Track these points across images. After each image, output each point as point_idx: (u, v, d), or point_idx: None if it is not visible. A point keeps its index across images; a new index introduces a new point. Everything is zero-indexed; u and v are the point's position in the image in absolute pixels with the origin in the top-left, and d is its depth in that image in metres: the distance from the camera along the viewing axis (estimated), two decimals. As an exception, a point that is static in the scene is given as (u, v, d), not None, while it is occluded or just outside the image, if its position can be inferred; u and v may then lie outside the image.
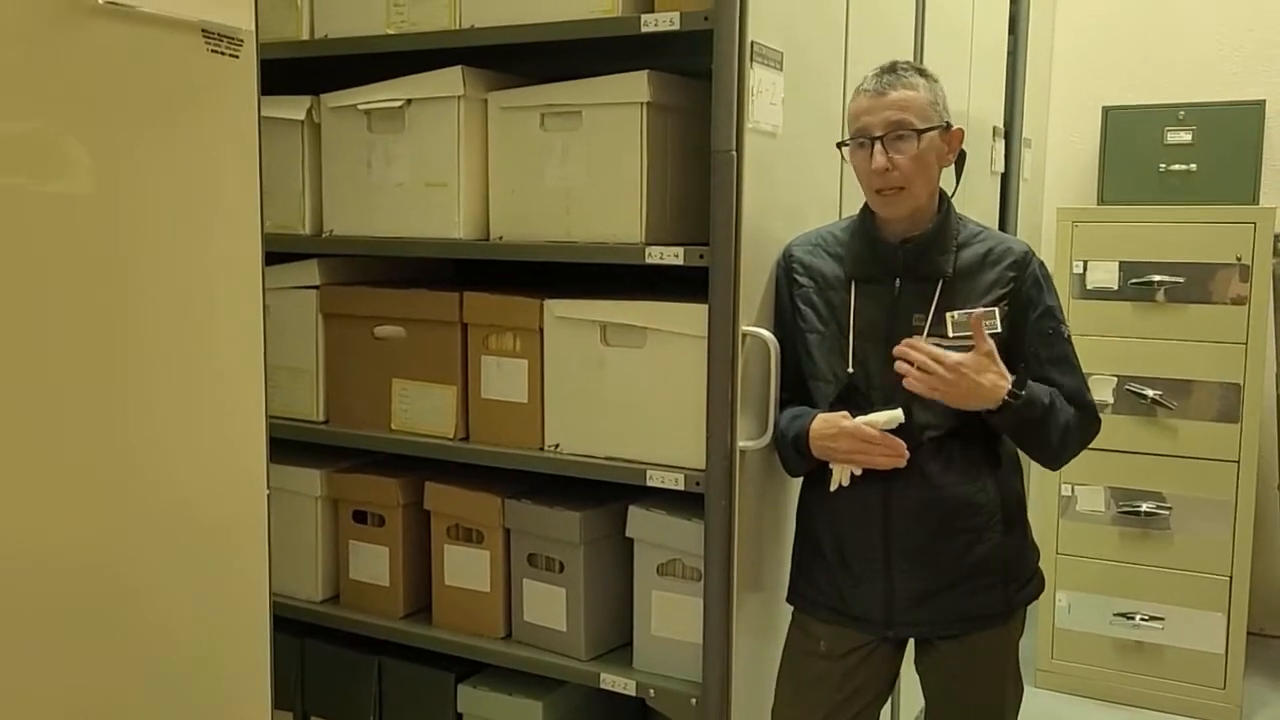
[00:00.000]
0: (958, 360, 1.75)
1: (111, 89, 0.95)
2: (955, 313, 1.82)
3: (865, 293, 1.88)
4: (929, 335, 1.82)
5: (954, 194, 1.93)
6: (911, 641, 1.97)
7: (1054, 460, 1.90)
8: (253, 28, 1.04)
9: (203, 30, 1.00)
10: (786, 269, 1.97)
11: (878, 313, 1.86)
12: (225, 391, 1.10)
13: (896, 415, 1.80)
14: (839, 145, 1.89)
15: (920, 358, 1.76)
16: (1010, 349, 1.84)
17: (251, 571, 1.09)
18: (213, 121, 1.04)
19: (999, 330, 1.82)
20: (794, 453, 1.90)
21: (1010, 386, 1.76)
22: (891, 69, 1.82)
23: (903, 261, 1.85)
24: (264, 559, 1.11)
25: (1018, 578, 1.91)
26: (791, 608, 2.01)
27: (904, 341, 1.78)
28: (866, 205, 1.91)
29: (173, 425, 1.07)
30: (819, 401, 1.90)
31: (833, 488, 1.87)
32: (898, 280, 1.86)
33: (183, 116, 1.02)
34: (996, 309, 1.83)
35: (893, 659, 1.96)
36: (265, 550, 1.11)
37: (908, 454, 1.80)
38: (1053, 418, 1.82)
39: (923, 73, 1.84)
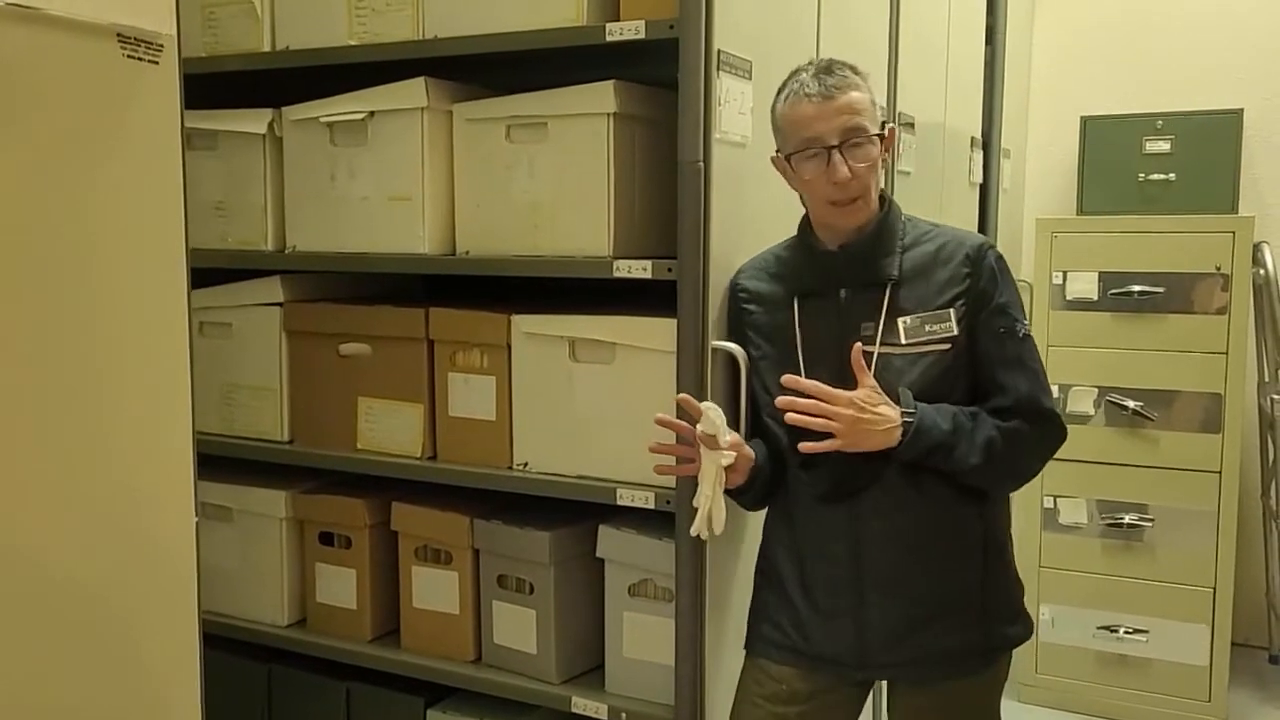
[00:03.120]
0: (850, 396, 1.64)
1: (15, 97, 0.90)
2: (907, 318, 1.71)
3: (810, 308, 1.77)
4: (880, 344, 1.71)
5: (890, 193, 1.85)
6: (884, 687, 1.86)
7: (993, 484, 1.75)
8: (174, 32, 0.99)
9: (118, 35, 0.95)
10: (734, 298, 1.87)
11: (825, 326, 1.75)
12: (145, 413, 1.04)
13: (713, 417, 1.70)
14: (786, 157, 1.72)
15: (805, 403, 1.63)
16: (971, 351, 1.72)
17: (177, 603, 1.03)
18: (130, 131, 0.99)
19: (955, 333, 1.70)
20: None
21: (901, 415, 1.64)
22: (828, 69, 1.68)
23: (843, 268, 1.74)
24: (192, 590, 1.05)
25: (1000, 615, 1.77)
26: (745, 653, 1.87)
27: (785, 378, 1.65)
28: (805, 219, 1.81)
29: (83, 450, 1.01)
30: (780, 425, 1.76)
31: (701, 512, 1.73)
32: (842, 290, 1.74)
33: (97, 126, 0.97)
34: (952, 310, 1.70)
35: (857, 704, 1.83)
36: (194, 582, 1.05)
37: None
38: (963, 440, 1.66)
39: (856, 70, 1.71)
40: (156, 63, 0.97)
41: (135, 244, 1.01)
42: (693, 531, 1.75)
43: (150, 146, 1.00)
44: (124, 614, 1.04)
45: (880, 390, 1.66)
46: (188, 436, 1.04)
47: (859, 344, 1.66)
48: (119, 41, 0.95)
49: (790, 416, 1.64)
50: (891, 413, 1.65)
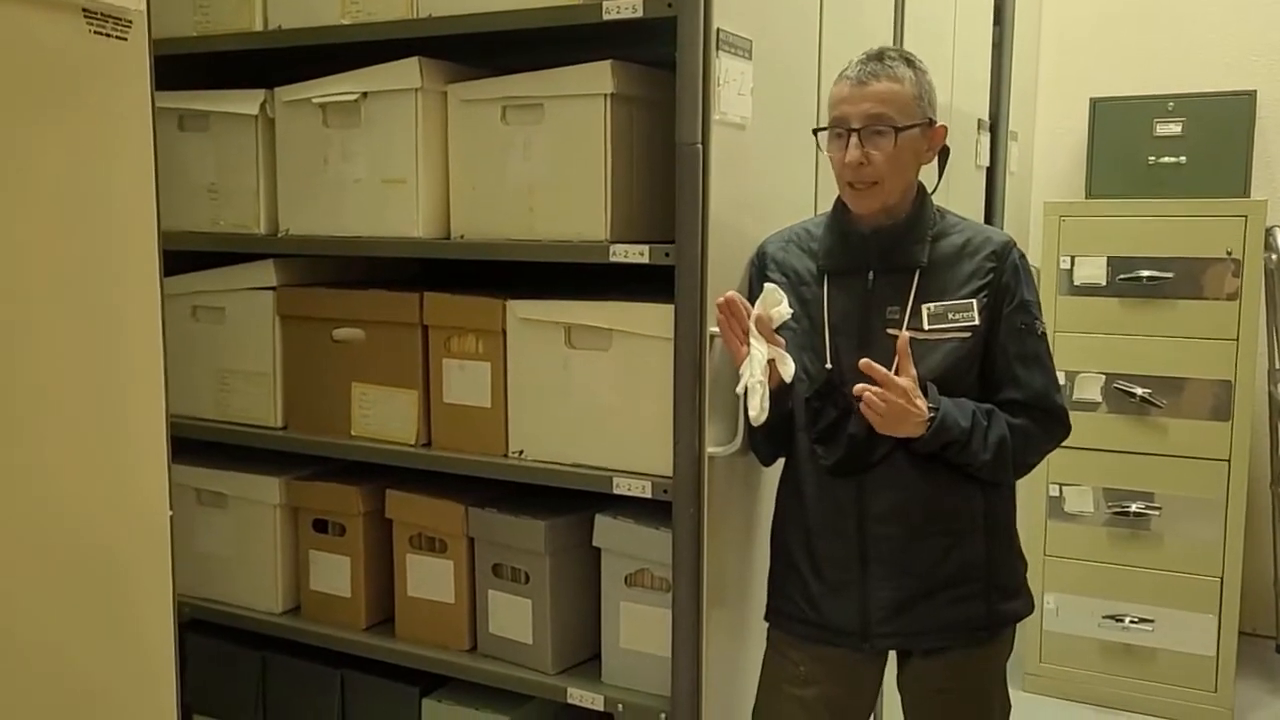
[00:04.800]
0: (901, 385, 1.67)
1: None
2: (931, 305, 1.75)
3: (838, 286, 1.80)
4: (907, 329, 1.73)
5: (934, 191, 1.85)
6: (893, 655, 1.89)
7: (996, 477, 1.79)
8: (143, 7, 0.95)
9: (84, 9, 0.91)
10: (760, 267, 1.89)
11: (851, 306, 1.79)
12: (115, 401, 1.00)
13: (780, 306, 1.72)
14: (815, 131, 1.81)
15: (876, 390, 1.66)
16: (987, 342, 1.77)
17: (148, 604, 1.00)
18: (97, 110, 0.95)
19: (976, 322, 1.74)
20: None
21: (927, 409, 1.69)
22: (879, 56, 1.74)
23: (875, 252, 1.77)
24: (167, 590, 1.01)
25: (1001, 588, 1.82)
26: (767, 625, 1.92)
27: (862, 363, 1.68)
28: (840, 196, 1.83)
29: (45, 441, 0.97)
30: (796, 399, 1.82)
31: (738, 389, 1.74)
32: (871, 272, 1.78)
33: (62, 104, 0.93)
34: (975, 300, 1.75)
35: (874, 678, 1.88)
36: (169, 580, 1.02)
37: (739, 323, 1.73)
38: (977, 437, 1.72)
39: (911, 63, 1.75)
40: (125, 39, 0.94)
41: (104, 223, 0.97)
42: (753, 415, 1.73)
43: (119, 124, 0.96)
44: (95, 624, 1.00)
45: (917, 380, 1.70)
46: (161, 427, 1.00)
47: (906, 333, 1.71)
48: (85, 17, 0.91)
49: (867, 398, 1.67)
50: (924, 405, 1.69)
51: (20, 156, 0.90)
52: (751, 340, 1.73)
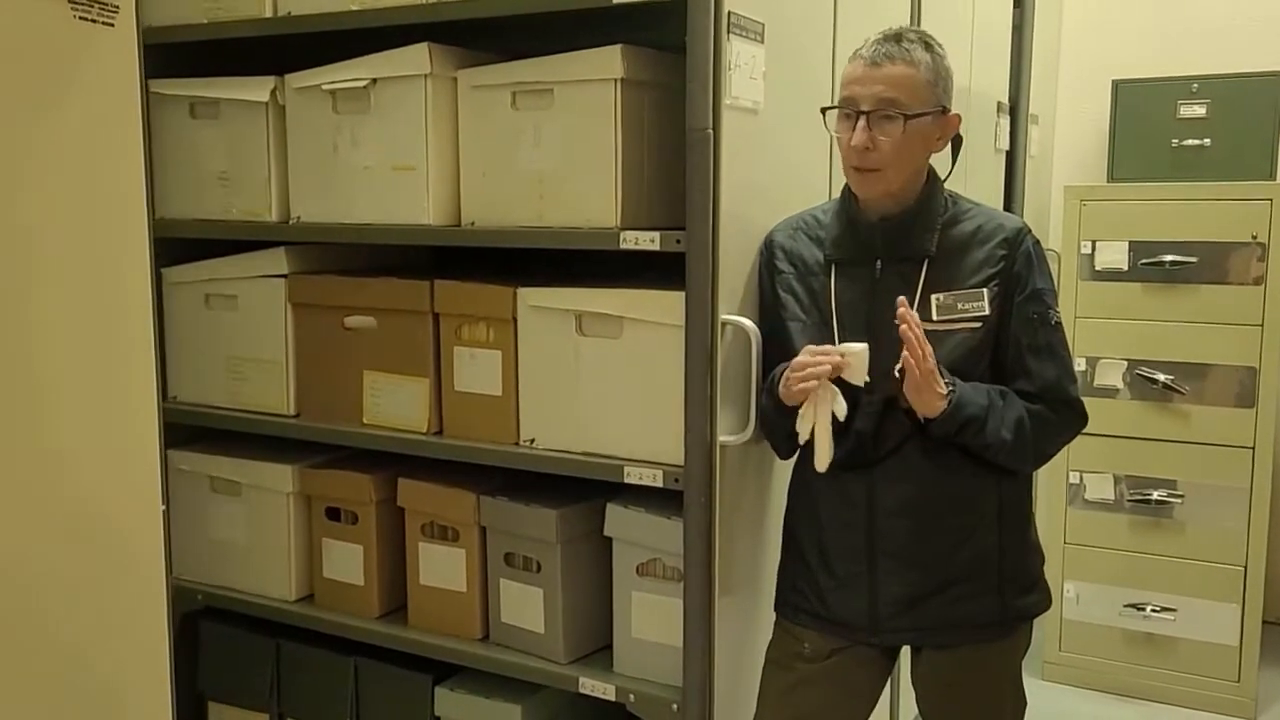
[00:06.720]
0: (932, 360, 1.63)
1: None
2: (940, 295, 1.71)
3: (845, 276, 1.77)
4: None
5: (946, 178, 1.81)
6: (907, 649, 1.87)
7: (1018, 463, 1.75)
8: (130, -8, 0.94)
9: None
10: (768, 256, 1.86)
11: (858, 297, 1.75)
12: (104, 396, 0.99)
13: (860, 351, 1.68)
14: (823, 110, 1.76)
15: (916, 344, 1.62)
16: (998, 332, 1.72)
17: (143, 595, 0.99)
18: (82, 94, 0.93)
19: (986, 313, 1.70)
20: (773, 410, 1.77)
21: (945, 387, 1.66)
22: (896, 38, 1.68)
23: (881, 241, 1.74)
24: (161, 581, 1.01)
25: (1016, 583, 1.78)
26: (775, 614, 1.91)
27: (901, 312, 1.62)
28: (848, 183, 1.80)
29: (28, 430, 0.95)
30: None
31: (802, 438, 1.73)
32: (878, 261, 1.74)
33: (47, 91, 0.91)
34: (985, 290, 1.70)
35: (881, 666, 1.85)
36: (162, 572, 1.01)
37: (828, 366, 1.67)
38: (994, 415, 1.67)
39: (929, 46, 1.69)
40: (111, 24, 0.92)
41: (93, 210, 0.96)
42: (819, 467, 1.72)
43: (105, 109, 0.94)
44: (86, 615, 0.99)
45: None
46: (153, 418, 0.99)
47: (915, 314, 1.65)
48: (69, 2, 0.89)
49: (909, 353, 1.61)
50: (941, 385, 1.65)
51: (6, 144, 0.89)
52: (822, 386, 1.69)
